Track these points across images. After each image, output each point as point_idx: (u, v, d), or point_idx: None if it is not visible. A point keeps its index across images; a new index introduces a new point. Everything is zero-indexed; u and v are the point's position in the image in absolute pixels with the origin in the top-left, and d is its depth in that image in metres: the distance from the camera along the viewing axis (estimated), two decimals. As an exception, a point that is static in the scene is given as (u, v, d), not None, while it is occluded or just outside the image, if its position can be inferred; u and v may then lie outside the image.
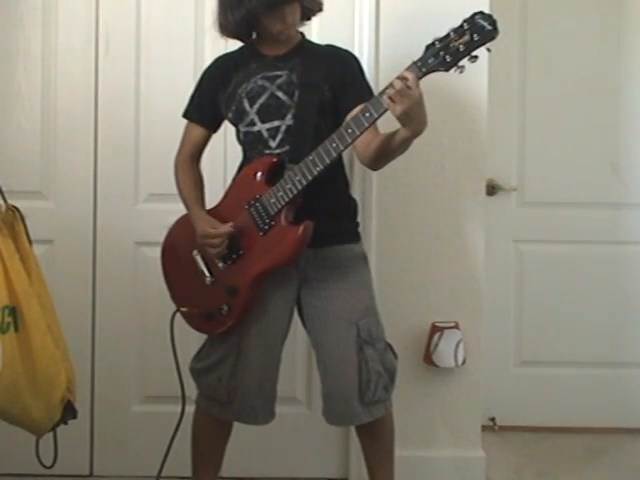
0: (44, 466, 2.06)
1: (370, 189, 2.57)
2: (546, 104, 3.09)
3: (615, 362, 3.16)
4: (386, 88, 1.79)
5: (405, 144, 1.90)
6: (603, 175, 3.12)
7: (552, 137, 3.10)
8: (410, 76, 1.74)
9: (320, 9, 2.13)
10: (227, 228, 2.04)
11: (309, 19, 2.14)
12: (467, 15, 1.70)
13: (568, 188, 3.11)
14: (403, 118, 1.79)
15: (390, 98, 1.76)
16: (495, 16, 1.69)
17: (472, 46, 1.70)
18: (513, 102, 3.09)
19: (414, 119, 1.79)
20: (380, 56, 2.54)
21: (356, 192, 2.45)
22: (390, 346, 2.16)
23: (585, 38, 3.09)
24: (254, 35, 2.13)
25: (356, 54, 2.20)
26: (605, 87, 3.11)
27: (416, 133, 1.84)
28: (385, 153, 1.96)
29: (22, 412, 1.89)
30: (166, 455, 2.20)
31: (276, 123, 2.06)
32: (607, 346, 3.15)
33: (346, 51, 2.16)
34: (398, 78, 1.76)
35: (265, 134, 2.07)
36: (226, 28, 2.09)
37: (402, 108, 1.76)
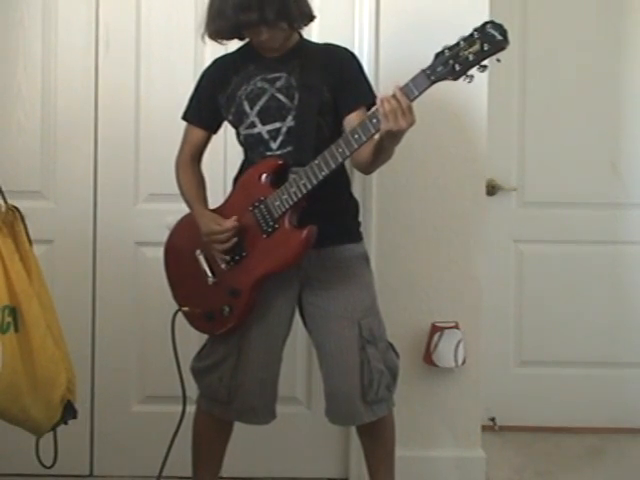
0: (44, 466, 2.06)
1: (370, 189, 2.57)
2: (546, 104, 3.09)
3: (615, 362, 3.16)
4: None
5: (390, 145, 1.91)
6: (603, 175, 3.12)
7: (552, 137, 3.10)
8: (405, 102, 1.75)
9: (310, 20, 2.07)
10: (232, 222, 2.03)
11: (296, 29, 2.06)
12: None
13: (568, 188, 3.11)
14: (387, 136, 1.82)
15: (385, 113, 1.76)
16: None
17: (482, 56, 1.70)
18: (513, 102, 3.09)
19: (395, 140, 1.83)
20: (380, 56, 2.54)
21: (356, 192, 2.44)
22: (392, 345, 2.16)
23: (585, 38, 3.09)
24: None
25: (356, 54, 2.19)
26: (605, 87, 3.11)
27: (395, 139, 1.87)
28: (378, 153, 1.95)
29: (22, 412, 1.89)
30: (166, 455, 2.20)
31: (277, 125, 2.05)
32: (607, 346, 3.15)
33: (344, 49, 2.15)
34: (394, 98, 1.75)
35: (266, 136, 2.07)
36: (208, 34, 2.07)
37: (396, 126, 1.77)
